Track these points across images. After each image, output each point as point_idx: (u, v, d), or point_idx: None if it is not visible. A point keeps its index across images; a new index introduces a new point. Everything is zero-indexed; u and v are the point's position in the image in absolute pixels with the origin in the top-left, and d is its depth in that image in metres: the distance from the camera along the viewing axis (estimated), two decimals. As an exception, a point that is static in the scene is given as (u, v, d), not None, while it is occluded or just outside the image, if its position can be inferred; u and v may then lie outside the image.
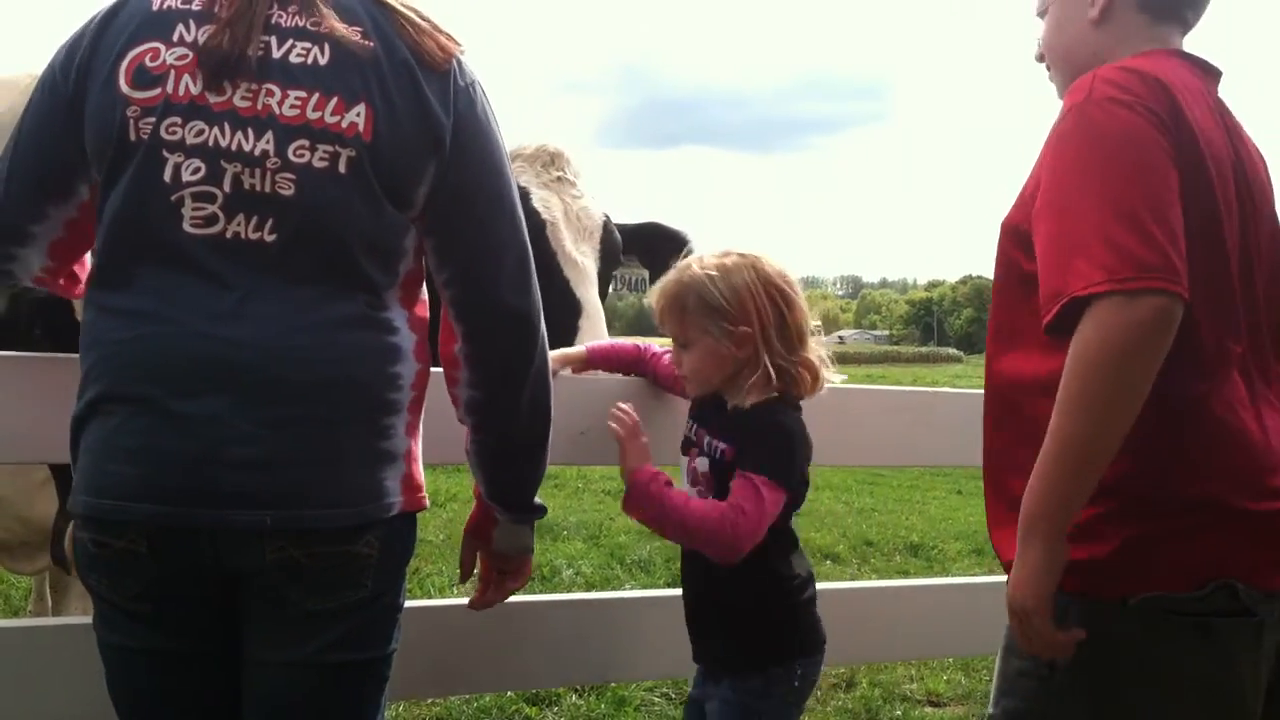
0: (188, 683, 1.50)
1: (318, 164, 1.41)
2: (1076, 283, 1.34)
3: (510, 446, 1.64)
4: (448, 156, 1.48)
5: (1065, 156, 1.42)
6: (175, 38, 1.42)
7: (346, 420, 1.44)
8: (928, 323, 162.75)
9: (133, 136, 1.40)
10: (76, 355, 1.50)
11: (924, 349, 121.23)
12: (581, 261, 2.38)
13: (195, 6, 1.45)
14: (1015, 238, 1.53)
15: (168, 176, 1.40)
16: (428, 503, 1.58)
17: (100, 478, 1.40)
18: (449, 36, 1.51)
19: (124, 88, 1.41)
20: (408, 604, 1.63)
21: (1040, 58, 1.73)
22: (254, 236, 1.40)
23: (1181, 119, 1.43)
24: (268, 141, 1.40)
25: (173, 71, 1.40)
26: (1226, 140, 1.53)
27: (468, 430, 1.63)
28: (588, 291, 2.40)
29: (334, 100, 1.41)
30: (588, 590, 5.17)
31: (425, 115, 1.46)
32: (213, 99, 1.40)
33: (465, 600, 1.93)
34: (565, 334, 2.35)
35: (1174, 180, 1.38)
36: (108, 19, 1.47)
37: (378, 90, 1.43)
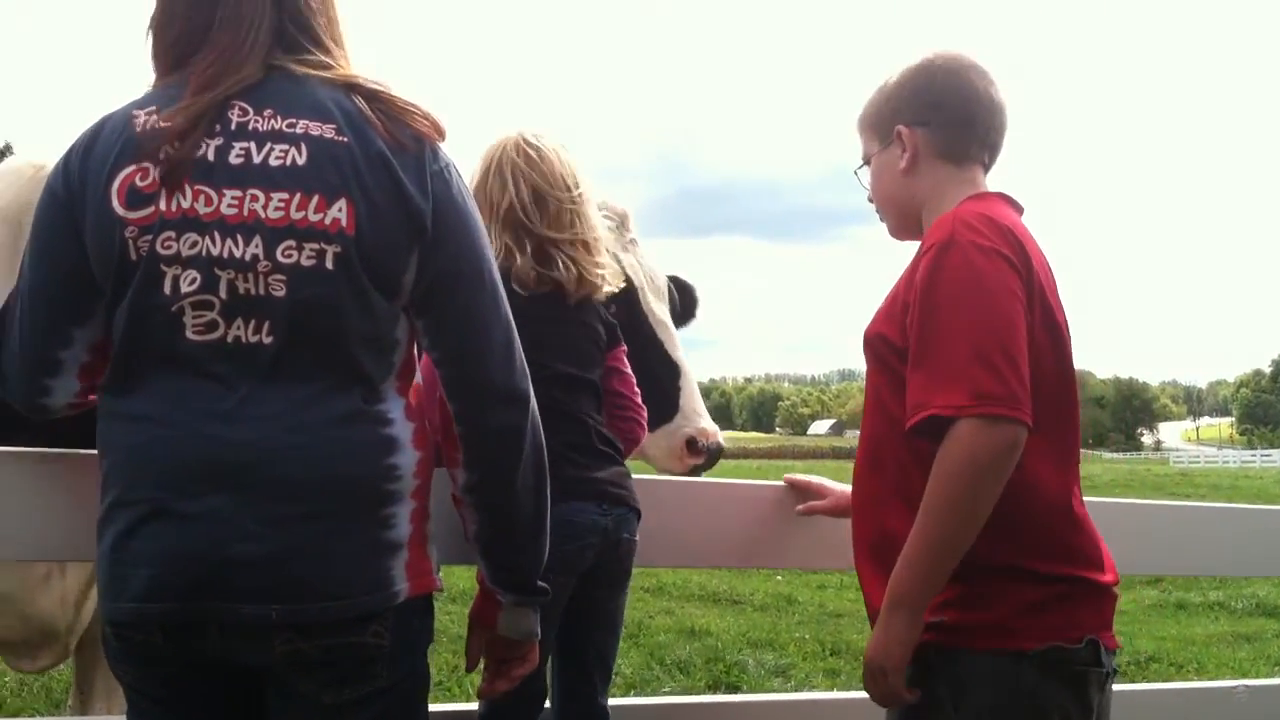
0: None
1: (305, 262, 1.44)
2: (944, 400, 1.58)
3: (508, 527, 1.62)
4: (429, 240, 1.51)
5: (937, 293, 1.65)
6: (162, 156, 1.45)
7: (346, 514, 1.46)
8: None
9: (133, 255, 1.44)
10: (85, 451, 1.52)
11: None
12: (668, 322, 2.39)
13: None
14: (887, 345, 1.75)
15: (167, 289, 1.44)
16: (440, 584, 1.58)
17: (116, 582, 1.45)
18: (429, 118, 1.54)
19: (119, 209, 1.44)
20: (450, 707, 1.60)
21: (870, 200, 1.97)
22: (253, 339, 1.45)
23: (1028, 260, 1.68)
24: (256, 246, 1.43)
25: (163, 189, 1.44)
26: (1047, 267, 1.78)
27: (465, 512, 1.63)
28: (680, 352, 2.41)
29: (315, 198, 1.45)
30: (627, 692, 5.05)
31: (404, 202, 1.49)
32: (202, 210, 1.43)
33: None
34: (669, 396, 2.46)
35: (1023, 321, 1.63)
36: (89, 142, 1.51)
37: (356, 184, 1.46)
